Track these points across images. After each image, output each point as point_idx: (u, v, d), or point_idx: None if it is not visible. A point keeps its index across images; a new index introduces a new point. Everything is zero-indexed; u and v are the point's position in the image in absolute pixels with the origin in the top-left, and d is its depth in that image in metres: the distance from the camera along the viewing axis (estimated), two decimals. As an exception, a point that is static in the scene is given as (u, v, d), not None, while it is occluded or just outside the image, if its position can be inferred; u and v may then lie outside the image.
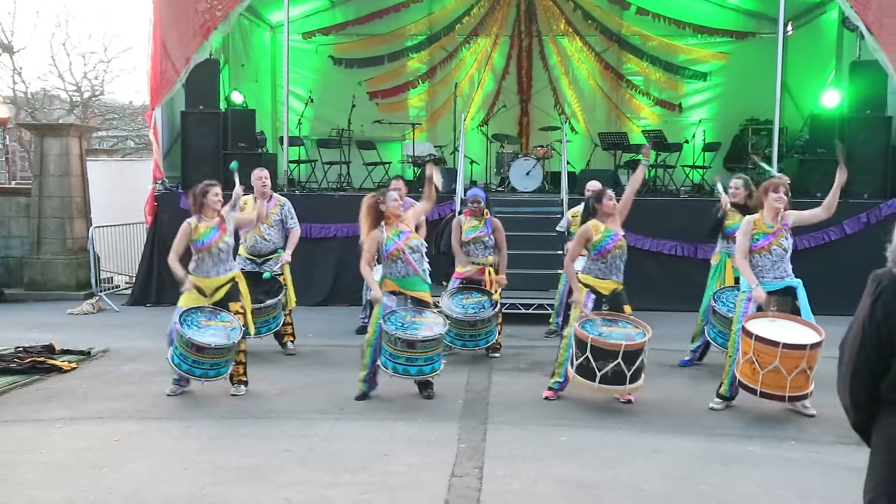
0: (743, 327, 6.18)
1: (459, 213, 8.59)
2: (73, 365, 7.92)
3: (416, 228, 7.10)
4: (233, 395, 6.88)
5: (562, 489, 4.87)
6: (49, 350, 8.28)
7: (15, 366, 7.63)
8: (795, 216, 6.55)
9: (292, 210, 8.51)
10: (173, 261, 6.79)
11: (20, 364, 7.68)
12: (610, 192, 6.88)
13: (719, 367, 7.37)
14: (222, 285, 6.89)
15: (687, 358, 8.11)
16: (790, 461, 5.42)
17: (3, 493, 4.75)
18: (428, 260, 7.14)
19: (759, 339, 5.99)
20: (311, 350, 8.43)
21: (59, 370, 7.71)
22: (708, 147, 13.75)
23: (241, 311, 6.99)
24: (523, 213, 11.41)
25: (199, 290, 6.82)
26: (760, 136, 13.57)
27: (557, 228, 9.25)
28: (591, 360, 6.33)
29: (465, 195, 8.56)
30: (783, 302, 6.42)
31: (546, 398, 6.81)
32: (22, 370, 7.57)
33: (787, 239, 6.42)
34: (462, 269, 8.35)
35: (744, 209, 7.73)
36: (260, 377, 7.45)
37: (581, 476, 5.07)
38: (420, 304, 6.82)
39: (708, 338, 7.72)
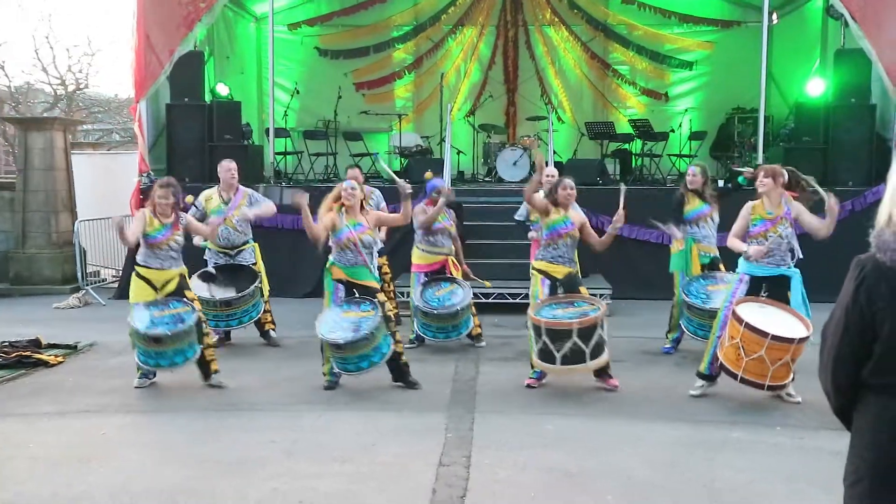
0: (734, 311, 6.18)
1: (420, 201, 8.56)
2: (60, 359, 7.89)
3: (379, 228, 7.10)
4: (212, 385, 6.87)
5: (548, 477, 4.90)
6: (35, 344, 8.25)
7: (0, 360, 7.60)
8: (798, 211, 6.40)
9: (259, 195, 8.54)
10: (131, 239, 6.84)
11: (6, 359, 7.65)
12: (566, 181, 6.92)
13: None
14: (172, 278, 6.90)
15: (668, 346, 8.15)
16: (775, 447, 5.46)
17: (-10, 488, 4.74)
18: (376, 257, 7.27)
19: (748, 326, 6.00)
20: (296, 342, 8.43)
21: (46, 364, 7.68)
22: (694, 136, 13.80)
23: (196, 298, 7.02)
24: (510, 203, 11.40)
25: (150, 283, 6.84)
26: (746, 125, 13.61)
27: (516, 217, 9.17)
28: (548, 344, 6.45)
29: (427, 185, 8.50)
30: (775, 288, 6.41)
31: (528, 385, 6.85)
32: (8, 365, 7.54)
33: (785, 227, 6.35)
34: (418, 260, 8.37)
35: (701, 195, 7.80)
36: (246, 369, 7.46)
37: (567, 464, 5.09)
38: (365, 293, 6.81)
39: (686, 332, 7.76)
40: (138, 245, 6.93)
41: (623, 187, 7.29)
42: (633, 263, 11.24)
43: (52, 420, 6.06)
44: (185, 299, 6.85)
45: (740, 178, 7.82)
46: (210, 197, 8.31)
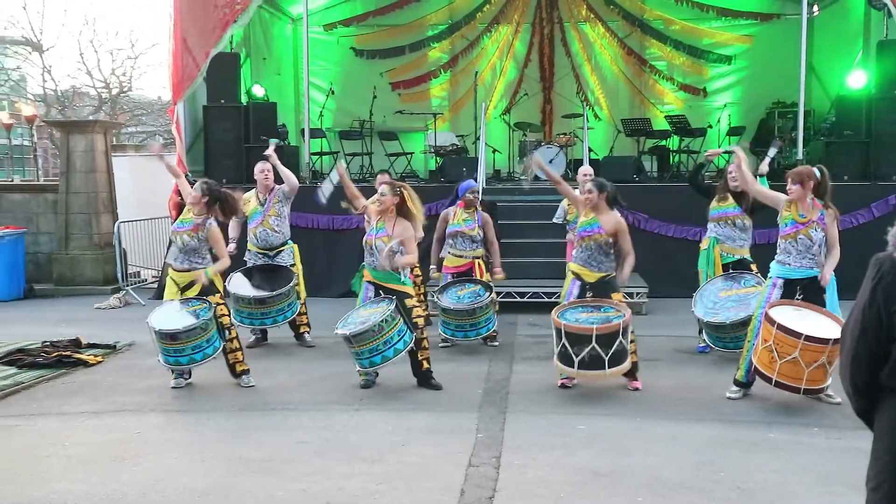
0: (766, 314, 6.08)
1: (451, 203, 8.52)
2: (99, 359, 8.02)
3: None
4: (245, 386, 6.94)
5: (578, 477, 4.85)
6: (76, 344, 8.40)
7: (41, 360, 7.75)
8: (832, 224, 6.23)
9: (285, 187, 8.48)
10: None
11: (47, 358, 7.79)
12: (590, 185, 6.79)
13: (740, 354, 7.32)
14: (194, 280, 6.93)
15: (703, 344, 8.02)
16: (810, 447, 5.36)
17: (26, 486, 4.82)
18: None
19: (781, 328, 5.88)
20: (331, 342, 8.44)
21: (85, 364, 7.81)
22: (733, 131, 13.63)
23: (222, 301, 7.04)
24: (546, 202, 11.34)
25: (175, 283, 6.96)
26: (787, 119, 13.39)
27: (554, 219, 9.14)
28: (568, 347, 6.37)
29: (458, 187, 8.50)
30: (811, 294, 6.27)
31: (562, 385, 6.80)
32: (48, 364, 7.68)
33: (817, 231, 6.19)
34: (447, 262, 8.37)
35: (738, 197, 7.58)
36: (279, 369, 7.52)
37: (597, 464, 5.04)
38: (389, 294, 6.79)
39: (707, 341, 7.63)
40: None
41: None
42: (670, 261, 11.11)
43: (88, 419, 6.16)
44: (204, 298, 6.89)
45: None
46: (248, 200, 8.38)
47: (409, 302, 6.79)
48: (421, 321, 6.87)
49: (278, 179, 8.50)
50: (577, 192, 7.15)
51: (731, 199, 7.62)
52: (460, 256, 8.31)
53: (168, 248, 7.21)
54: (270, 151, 8.57)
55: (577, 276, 6.81)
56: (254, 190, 8.48)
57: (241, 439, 5.63)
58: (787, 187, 6.26)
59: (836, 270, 6.32)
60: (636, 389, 6.68)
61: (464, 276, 8.31)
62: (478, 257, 8.35)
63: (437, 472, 4.97)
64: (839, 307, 6.20)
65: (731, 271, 7.58)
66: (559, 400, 6.53)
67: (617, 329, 6.33)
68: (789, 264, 6.28)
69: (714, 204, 7.76)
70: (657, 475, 4.87)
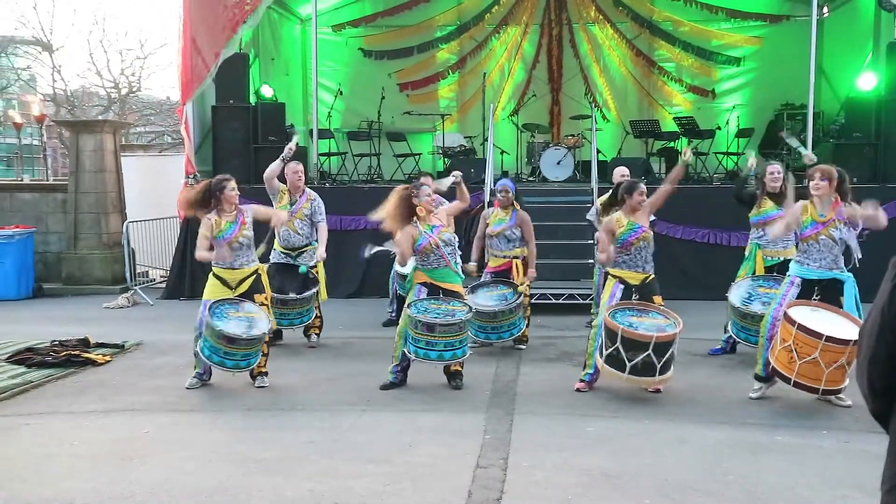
0: (786, 314, 6.04)
1: (489, 204, 8.53)
2: (108, 358, 8.04)
3: (448, 224, 7.09)
4: (258, 386, 6.94)
5: (586, 479, 4.84)
6: (84, 344, 8.42)
7: (50, 359, 7.76)
8: (851, 211, 6.17)
9: (322, 206, 8.52)
10: (202, 257, 6.85)
11: (56, 357, 7.81)
12: (642, 186, 6.80)
13: (750, 357, 7.31)
14: (246, 277, 6.94)
15: (717, 347, 8.01)
16: (820, 450, 5.33)
17: (34, 484, 4.83)
18: (460, 253, 7.15)
19: (801, 328, 5.85)
20: (339, 342, 8.47)
21: (94, 363, 7.83)
22: (741, 133, 13.57)
23: (266, 302, 7.05)
24: (554, 203, 11.36)
25: (224, 282, 6.88)
26: (796, 121, 13.33)
27: (588, 217, 9.15)
28: (622, 351, 6.27)
29: (494, 186, 8.54)
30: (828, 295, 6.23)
31: (577, 390, 6.76)
32: (57, 363, 7.70)
33: (838, 230, 6.15)
34: (491, 263, 8.34)
35: (777, 198, 7.56)
36: (288, 369, 7.53)
37: (606, 466, 5.03)
38: (449, 295, 6.83)
39: (733, 335, 7.60)
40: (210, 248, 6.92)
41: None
42: (680, 263, 11.11)
43: (96, 418, 6.17)
44: (258, 305, 6.89)
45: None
46: (284, 193, 8.39)
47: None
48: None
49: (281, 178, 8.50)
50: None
51: (770, 203, 7.58)
52: (497, 256, 8.30)
53: (184, 254, 7.12)
54: (292, 146, 8.45)
55: (621, 280, 6.73)
56: (286, 185, 8.46)
57: (250, 439, 5.64)
58: (815, 183, 6.18)
59: (852, 273, 6.27)
60: (657, 391, 6.64)
61: (501, 276, 8.24)
62: (516, 257, 8.26)
63: (444, 472, 4.97)
64: (857, 309, 6.13)
65: (774, 274, 7.48)
66: (567, 401, 6.52)
67: (673, 338, 6.31)
68: (808, 264, 6.25)
69: (754, 210, 7.69)
70: (665, 477, 4.86)
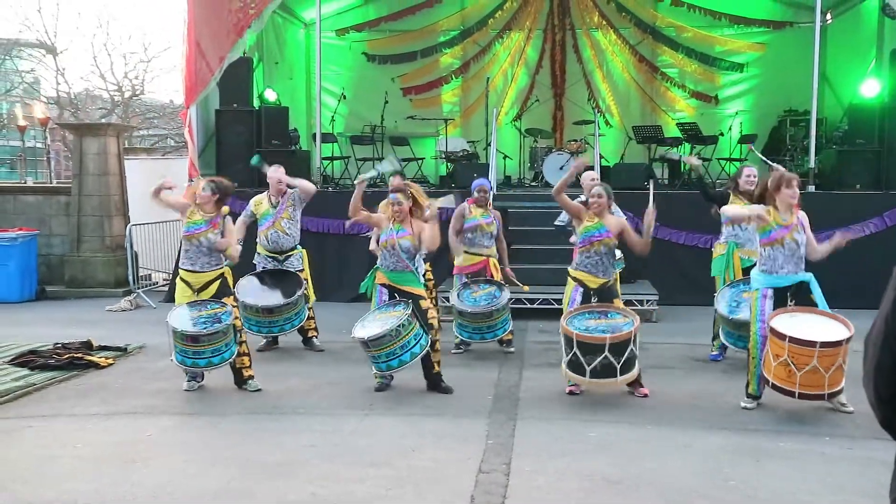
0: (772, 329, 6.01)
1: (462, 201, 8.54)
2: (110, 361, 8.04)
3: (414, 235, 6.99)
4: (252, 391, 6.93)
5: (588, 485, 4.84)
6: (87, 346, 8.42)
7: (53, 362, 7.77)
8: (807, 224, 6.33)
9: (297, 192, 8.47)
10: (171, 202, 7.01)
11: (58, 360, 7.82)
12: (597, 188, 6.81)
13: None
14: (211, 281, 6.98)
15: (716, 352, 8.00)
16: (823, 456, 5.33)
17: (37, 486, 4.84)
18: (422, 263, 7.21)
19: (793, 340, 5.82)
20: (341, 346, 8.47)
21: (97, 366, 7.83)
22: (744, 139, 13.57)
23: (235, 304, 7.07)
24: (556, 208, 11.31)
25: (188, 285, 6.96)
26: (798, 128, 13.35)
27: (556, 222, 9.06)
28: (579, 356, 6.34)
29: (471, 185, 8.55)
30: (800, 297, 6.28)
31: (570, 392, 6.78)
32: (60, 366, 7.70)
33: (800, 234, 6.23)
34: (461, 262, 8.34)
35: (750, 198, 7.60)
36: (289, 373, 7.54)
37: (608, 472, 5.03)
38: (405, 296, 6.84)
39: (727, 344, 7.60)
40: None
41: (651, 184, 7.25)
42: (681, 268, 11.10)
43: (99, 421, 6.17)
44: (222, 300, 6.94)
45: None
46: (260, 202, 8.41)
47: (423, 304, 6.85)
48: (435, 323, 6.90)
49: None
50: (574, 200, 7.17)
51: (743, 201, 7.61)
52: (476, 254, 8.30)
53: (180, 253, 7.16)
54: (269, 170, 8.42)
55: (580, 283, 6.78)
56: (265, 192, 8.49)
57: (252, 442, 5.64)
58: (793, 192, 6.20)
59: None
60: (645, 396, 6.66)
61: (477, 275, 8.29)
62: (491, 256, 8.34)
63: (447, 477, 4.97)
64: (826, 306, 6.21)
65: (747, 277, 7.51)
66: (569, 407, 6.52)
67: (629, 337, 6.33)
68: (776, 272, 6.24)
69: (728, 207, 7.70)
70: (668, 483, 4.86)
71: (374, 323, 6.72)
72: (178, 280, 7.12)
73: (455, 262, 8.41)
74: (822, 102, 13.12)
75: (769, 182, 6.33)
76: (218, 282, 7.02)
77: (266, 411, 6.40)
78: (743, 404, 6.44)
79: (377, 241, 7.14)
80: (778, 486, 4.81)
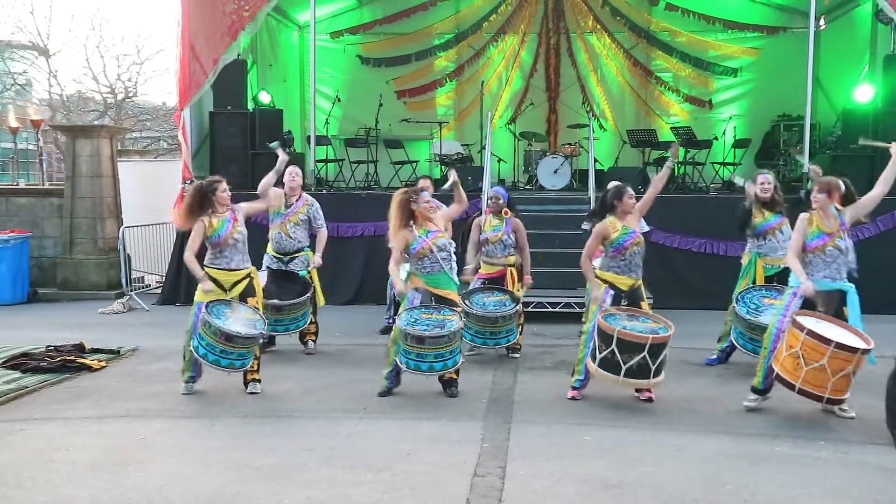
0: (794, 320, 6.00)
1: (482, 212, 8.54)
2: (103, 364, 8.00)
3: (444, 229, 7.05)
4: (250, 392, 6.92)
5: (584, 489, 4.83)
6: (79, 349, 8.37)
7: (45, 365, 7.73)
8: (852, 212, 6.30)
9: (320, 211, 8.52)
10: (190, 259, 6.85)
11: (51, 363, 7.77)
12: (630, 190, 6.83)
13: (748, 367, 7.32)
14: (240, 280, 6.94)
15: (714, 357, 8.01)
16: (818, 461, 5.33)
17: (31, 491, 4.81)
18: (455, 259, 7.12)
19: (811, 333, 5.83)
20: (336, 349, 8.45)
21: (89, 369, 7.79)
22: (738, 143, 13.63)
23: (258, 306, 7.06)
24: (551, 211, 11.37)
25: (218, 284, 6.88)
26: (792, 133, 13.38)
27: (583, 227, 9.10)
28: (617, 353, 6.29)
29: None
30: (830, 303, 6.21)
31: (572, 398, 6.76)
32: (52, 369, 7.66)
33: (843, 240, 6.19)
34: (482, 270, 8.32)
35: (772, 205, 7.63)
36: (285, 376, 7.51)
37: (604, 476, 5.02)
38: (442, 302, 6.81)
39: (736, 344, 7.55)
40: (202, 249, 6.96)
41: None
42: (677, 272, 11.13)
43: (92, 424, 6.14)
44: (254, 307, 6.91)
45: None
46: (279, 198, 8.36)
47: (457, 310, 6.84)
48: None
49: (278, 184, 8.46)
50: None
51: (766, 212, 7.62)
52: (492, 264, 8.26)
53: (181, 259, 7.08)
54: (283, 155, 8.36)
55: (611, 285, 6.73)
56: (282, 189, 8.42)
57: (247, 446, 5.61)
58: (813, 195, 6.23)
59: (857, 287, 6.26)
60: (649, 400, 6.64)
61: (495, 283, 8.24)
62: (511, 265, 8.26)
63: (442, 481, 4.95)
64: (861, 321, 6.12)
65: (775, 283, 7.47)
66: (565, 410, 6.51)
67: (667, 340, 6.33)
68: (812, 275, 6.21)
69: (755, 220, 7.69)
70: (664, 487, 4.85)
71: (423, 321, 6.64)
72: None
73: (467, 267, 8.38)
74: (816, 107, 13.13)
75: (815, 188, 6.33)
76: (245, 281, 6.97)
77: (261, 414, 6.37)
78: (746, 403, 6.44)
79: (396, 263, 6.84)
80: (774, 491, 4.81)
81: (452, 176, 7.04)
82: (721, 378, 7.52)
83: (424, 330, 6.56)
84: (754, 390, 6.47)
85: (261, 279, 8.05)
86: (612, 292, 6.70)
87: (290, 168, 8.39)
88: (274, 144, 8.43)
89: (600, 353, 6.40)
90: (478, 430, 5.93)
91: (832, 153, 12.15)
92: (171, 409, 6.56)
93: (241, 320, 6.72)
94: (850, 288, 6.21)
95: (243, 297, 6.92)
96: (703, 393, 6.99)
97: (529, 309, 9.97)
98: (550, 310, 10.17)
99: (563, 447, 5.58)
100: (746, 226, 7.80)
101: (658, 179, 7.22)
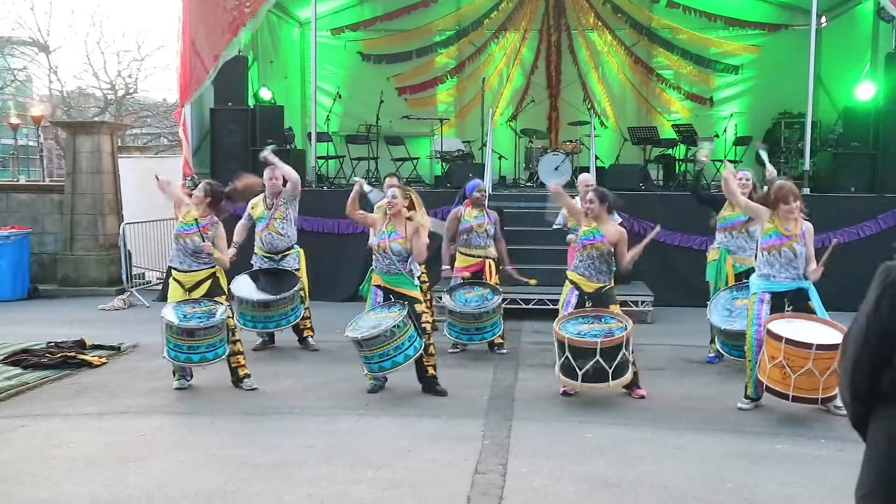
0: (769, 330, 6.02)
1: (457, 205, 8.52)
2: (103, 360, 8.00)
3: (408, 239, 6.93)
4: (248, 389, 6.93)
5: (584, 487, 4.83)
6: (80, 345, 8.38)
7: (46, 361, 7.73)
8: (809, 236, 6.33)
9: (289, 187, 8.38)
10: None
11: (51, 359, 7.77)
12: (591, 195, 6.81)
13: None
14: (202, 280, 6.98)
15: (713, 354, 7.99)
16: (818, 459, 5.33)
17: (31, 487, 4.81)
18: (419, 265, 7.10)
19: (790, 342, 5.83)
20: (336, 346, 8.44)
21: (90, 365, 7.79)
22: (739, 141, 13.62)
23: (227, 303, 7.06)
24: (552, 209, 11.33)
25: (180, 284, 6.96)
26: (793, 130, 13.39)
27: (554, 225, 9.04)
28: (571, 360, 6.34)
29: (467, 187, 8.53)
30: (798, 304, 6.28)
31: (564, 393, 6.77)
32: (53, 365, 7.66)
33: (800, 245, 6.24)
34: (458, 263, 8.34)
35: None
36: (284, 373, 7.51)
37: (605, 474, 5.02)
38: (402, 299, 6.81)
39: (719, 349, 7.56)
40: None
41: (657, 228, 7.34)
42: (676, 270, 11.11)
43: (92, 420, 6.14)
44: (214, 299, 6.94)
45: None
46: (256, 204, 8.37)
47: (418, 307, 6.81)
48: (429, 326, 6.88)
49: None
50: (576, 200, 7.20)
51: (737, 208, 7.60)
52: (472, 255, 8.27)
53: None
54: (267, 153, 8.44)
55: (576, 286, 6.78)
56: (262, 195, 8.43)
57: (247, 443, 5.61)
58: (791, 205, 6.22)
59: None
60: (641, 397, 6.66)
61: (474, 277, 8.26)
62: (489, 257, 8.31)
63: (443, 478, 4.95)
64: (825, 313, 6.22)
65: (744, 281, 7.48)
66: (565, 408, 6.51)
67: (620, 342, 6.33)
68: (774, 276, 6.26)
69: (722, 214, 7.75)
70: (664, 485, 4.85)
71: (368, 323, 6.70)
72: (170, 279, 7.11)
73: (455, 264, 8.38)
74: (817, 105, 13.13)
75: (772, 191, 6.32)
76: (209, 281, 7.01)
77: (261, 411, 6.37)
78: (740, 405, 6.45)
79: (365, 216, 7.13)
80: (774, 489, 4.81)
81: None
82: (721, 376, 7.52)
83: (361, 333, 6.57)
84: (747, 397, 6.48)
85: (245, 280, 8.10)
86: (576, 293, 6.76)
87: (270, 171, 8.33)
88: (270, 147, 8.50)
89: (559, 358, 6.47)
90: (478, 427, 5.93)
91: (833, 151, 12.13)
92: (172, 406, 6.56)
93: (199, 314, 6.76)
94: (809, 284, 6.30)
95: (210, 296, 6.95)
96: (703, 391, 6.99)
97: (529, 306, 9.99)
98: (551, 307, 10.14)
99: (563, 445, 5.58)
100: (705, 200, 8.03)
101: (637, 250, 6.84)
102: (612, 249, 6.71)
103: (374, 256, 6.98)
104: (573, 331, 6.44)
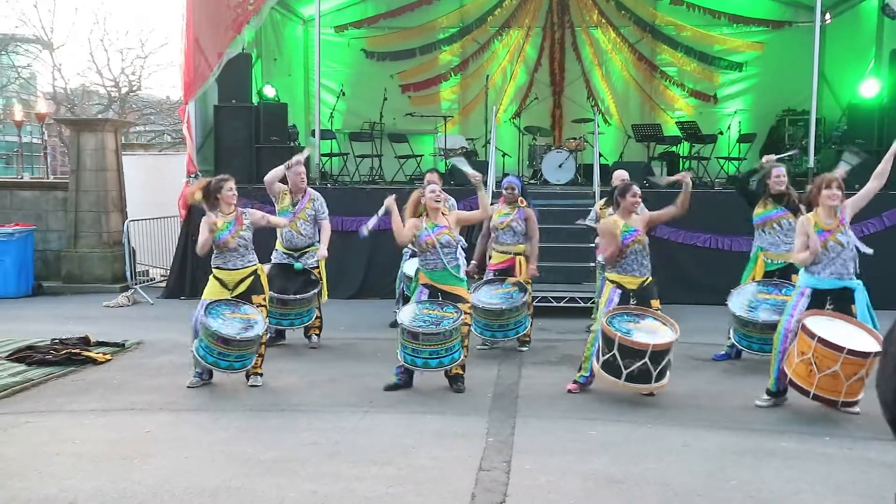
0: (804, 325, 5.94)
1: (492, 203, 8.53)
2: (108, 357, 8.01)
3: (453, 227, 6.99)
4: (251, 385, 6.94)
5: (589, 484, 4.83)
6: (84, 342, 8.40)
7: (51, 357, 7.74)
8: (852, 205, 6.23)
9: (324, 204, 8.54)
10: (203, 240, 6.90)
11: (56, 356, 7.78)
12: (635, 188, 6.78)
13: (755, 363, 7.33)
14: (244, 278, 6.97)
15: (722, 352, 7.96)
16: (823, 456, 5.32)
17: (36, 484, 4.81)
18: (464, 255, 7.11)
19: (822, 341, 5.77)
20: (340, 343, 8.45)
21: (94, 362, 7.81)
22: (743, 138, 13.59)
23: (264, 303, 7.06)
24: (556, 206, 11.34)
25: (222, 283, 6.90)
26: (797, 127, 13.36)
27: (585, 221, 9.06)
28: (618, 358, 6.28)
29: (497, 184, 8.56)
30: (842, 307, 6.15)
31: (569, 391, 6.77)
32: (57, 362, 7.68)
33: (844, 234, 6.09)
34: (491, 260, 8.32)
35: (779, 198, 7.56)
36: (289, 370, 7.52)
37: (609, 471, 5.02)
38: (449, 298, 6.81)
39: (739, 346, 7.53)
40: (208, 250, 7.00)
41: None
42: (680, 268, 11.10)
43: (97, 417, 6.15)
44: (256, 306, 6.92)
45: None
46: (285, 195, 8.39)
47: (462, 307, 6.80)
48: (466, 329, 6.87)
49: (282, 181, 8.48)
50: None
51: (771, 203, 7.56)
52: (503, 252, 8.25)
53: (184, 254, 7.11)
54: (301, 158, 8.46)
55: (618, 285, 6.71)
56: (286, 187, 8.43)
57: (251, 439, 5.62)
58: (832, 192, 6.10)
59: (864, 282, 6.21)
60: (651, 394, 6.64)
61: (504, 273, 8.23)
62: (520, 253, 8.24)
63: (447, 475, 4.95)
64: (870, 317, 6.07)
65: (775, 279, 7.43)
66: (569, 405, 6.51)
67: (670, 346, 6.30)
68: (819, 273, 6.14)
69: (756, 210, 7.66)
70: (669, 482, 4.84)
71: (421, 316, 6.66)
72: (210, 277, 7.04)
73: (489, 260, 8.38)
74: (821, 102, 13.12)
75: (814, 184, 6.29)
76: (251, 278, 7.01)
77: (266, 408, 6.38)
78: (758, 402, 6.40)
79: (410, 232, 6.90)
80: (779, 487, 4.80)
81: (476, 179, 7.00)
82: (726, 373, 7.51)
83: (419, 326, 6.56)
84: (768, 392, 6.41)
85: (268, 273, 8.10)
86: (619, 291, 6.69)
87: (299, 168, 8.39)
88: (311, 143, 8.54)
89: (603, 355, 6.40)
90: (483, 424, 5.92)
91: (837, 148, 12.09)
92: (176, 403, 6.57)
93: (240, 321, 6.73)
94: (858, 285, 6.13)
95: (248, 295, 6.94)
96: (707, 388, 6.98)
97: (535, 304, 9.97)
98: (555, 304, 10.16)
99: (567, 442, 5.57)
100: (745, 194, 7.92)
101: (681, 202, 6.90)
102: (647, 240, 6.74)
103: (420, 257, 6.93)
104: (622, 328, 6.36)
